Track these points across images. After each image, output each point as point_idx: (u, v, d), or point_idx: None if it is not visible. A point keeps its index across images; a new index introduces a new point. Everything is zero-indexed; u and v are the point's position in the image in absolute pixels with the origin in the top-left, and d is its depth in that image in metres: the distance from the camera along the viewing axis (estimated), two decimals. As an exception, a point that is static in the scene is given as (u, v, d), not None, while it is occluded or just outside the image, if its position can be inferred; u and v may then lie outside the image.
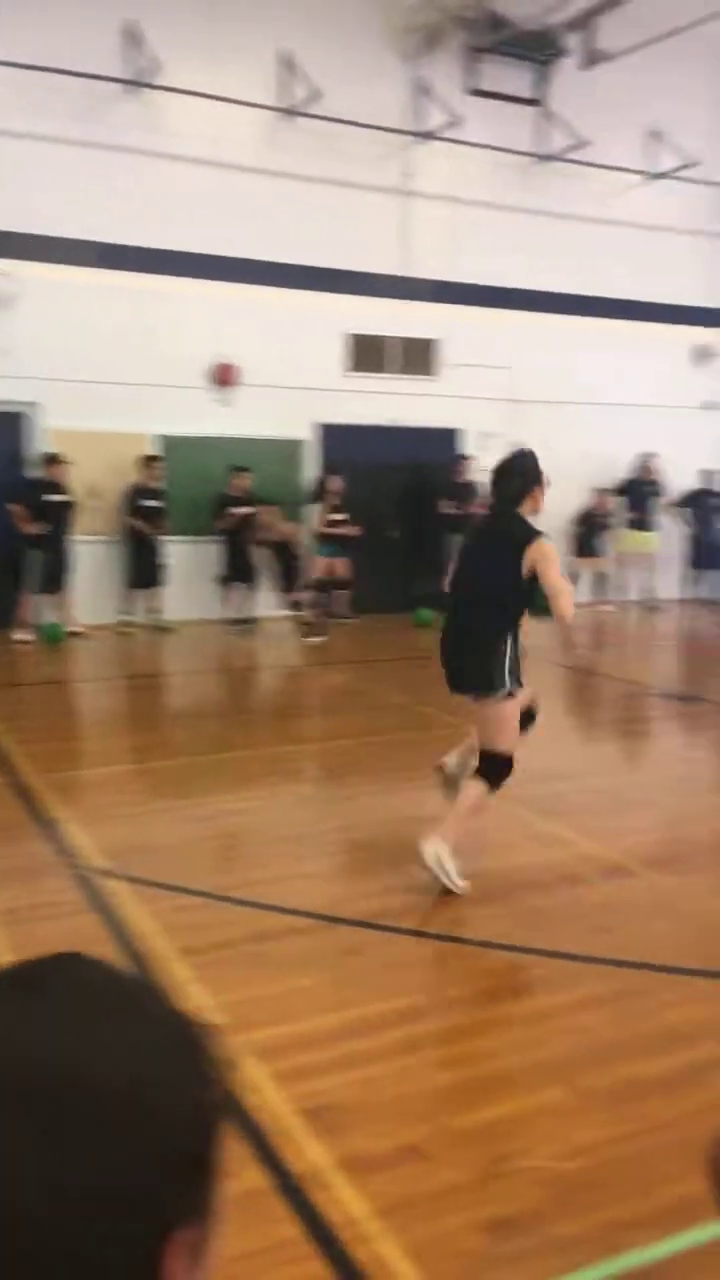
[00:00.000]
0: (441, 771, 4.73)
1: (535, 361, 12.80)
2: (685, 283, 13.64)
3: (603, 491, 12.94)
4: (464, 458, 12.42)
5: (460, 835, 4.14)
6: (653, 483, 13.11)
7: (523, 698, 4.30)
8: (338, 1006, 3.18)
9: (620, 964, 3.53)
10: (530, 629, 4.39)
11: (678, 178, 13.01)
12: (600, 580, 13.10)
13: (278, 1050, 2.93)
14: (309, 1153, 2.48)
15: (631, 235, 13.20)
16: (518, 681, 4.21)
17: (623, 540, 13.14)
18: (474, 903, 4.04)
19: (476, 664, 4.24)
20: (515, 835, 4.87)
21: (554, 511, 13.14)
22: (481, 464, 12.43)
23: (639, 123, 12.90)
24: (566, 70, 12.40)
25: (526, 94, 12.41)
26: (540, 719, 4.70)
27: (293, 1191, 2.36)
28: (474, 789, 4.24)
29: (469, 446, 12.67)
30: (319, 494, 11.60)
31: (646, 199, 13.23)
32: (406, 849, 4.66)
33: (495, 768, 4.24)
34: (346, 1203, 2.31)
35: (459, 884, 4.06)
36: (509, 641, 4.18)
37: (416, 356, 12.40)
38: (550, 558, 4.16)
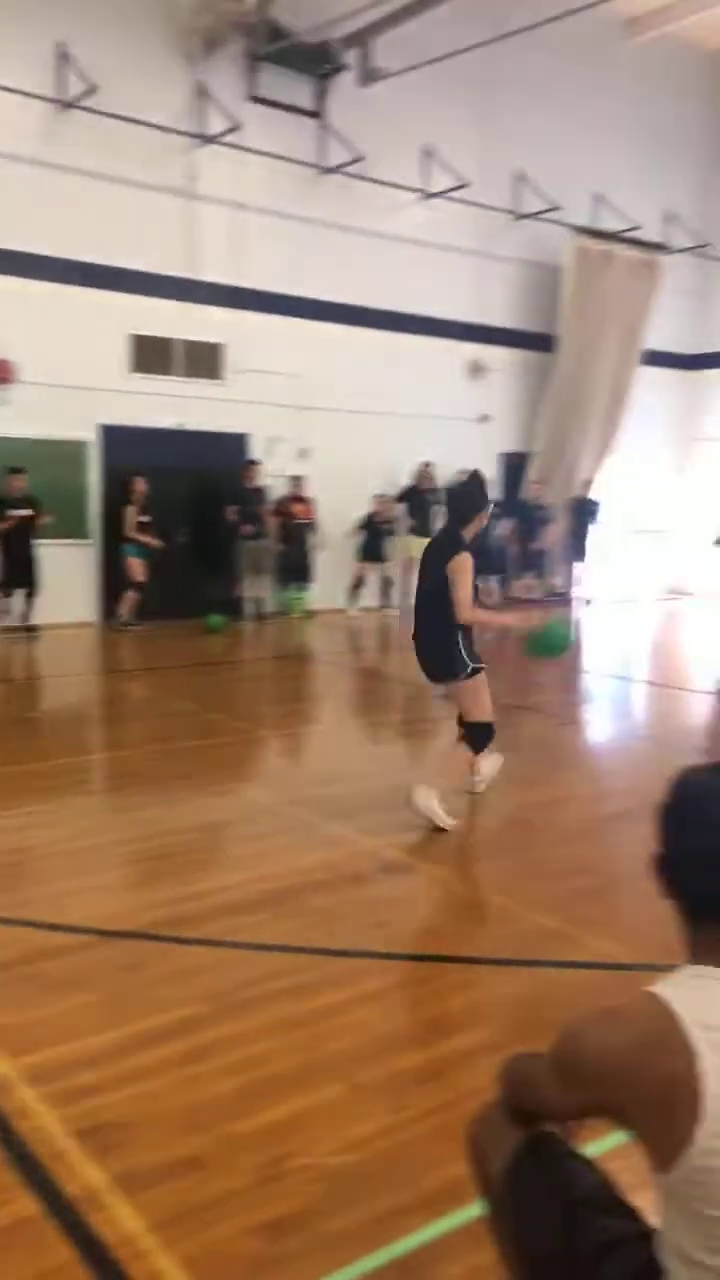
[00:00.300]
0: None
1: (322, 369, 13.00)
2: (459, 300, 14.22)
3: (385, 498, 13.29)
4: (253, 463, 12.46)
5: (445, 788, 5.11)
6: (432, 490, 13.58)
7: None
8: (117, 1022, 3.13)
9: (398, 957, 3.64)
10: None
11: (450, 198, 13.54)
12: (385, 585, 13.44)
13: (53, 1072, 2.85)
14: (84, 1174, 2.43)
15: (409, 251, 13.63)
16: (477, 661, 5.07)
17: (404, 546, 13.53)
18: (256, 907, 4.06)
19: (437, 657, 5.10)
20: (298, 838, 4.93)
21: (339, 517, 13.52)
22: (270, 469, 12.55)
23: (414, 142, 13.34)
24: (345, 86, 12.67)
25: (307, 106, 12.59)
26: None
27: (66, 1215, 2.30)
28: (460, 754, 5.25)
29: (257, 452, 12.72)
30: (127, 496, 11.44)
31: (422, 216, 13.70)
32: (190, 859, 4.65)
33: (478, 734, 5.18)
34: (122, 1221, 2.28)
35: (449, 821, 4.97)
36: (459, 633, 4.97)
37: (203, 360, 12.33)
38: (459, 569, 4.84)
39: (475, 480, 5.45)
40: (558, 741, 7.32)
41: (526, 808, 5.70)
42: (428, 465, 13.53)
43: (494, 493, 14.29)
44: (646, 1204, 1.51)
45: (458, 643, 4.99)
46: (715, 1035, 1.29)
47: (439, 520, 13.47)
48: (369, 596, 13.38)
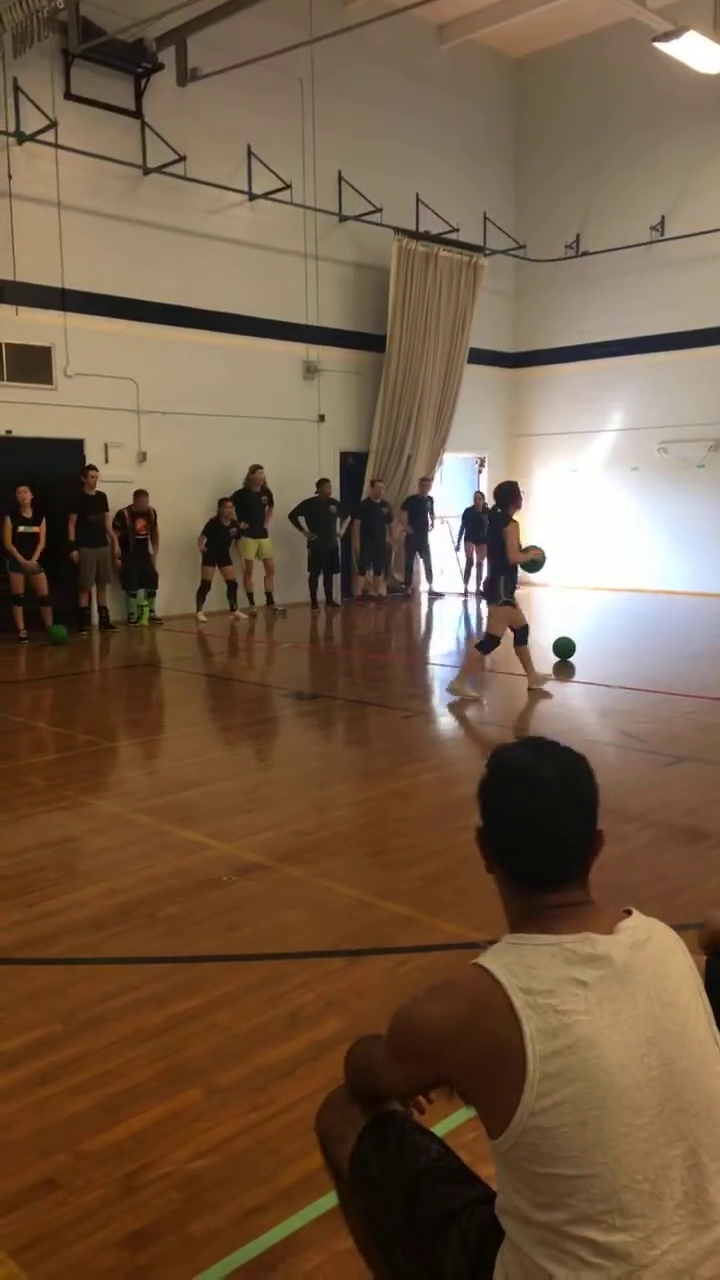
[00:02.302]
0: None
1: (157, 372, 12.84)
2: (290, 301, 14.29)
3: (227, 501, 13.23)
4: (92, 469, 12.18)
5: (469, 676, 8.37)
6: (263, 492, 13.61)
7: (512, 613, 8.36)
8: (-36, 1051, 3.03)
9: (253, 958, 3.66)
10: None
11: (275, 199, 13.58)
12: (230, 588, 13.39)
13: None
14: (-66, 1210, 2.36)
15: (237, 252, 13.62)
16: (510, 597, 8.32)
17: (242, 548, 13.52)
18: (108, 921, 4.01)
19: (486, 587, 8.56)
20: (150, 847, 4.88)
21: (182, 522, 13.38)
22: (109, 475, 12.30)
23: (235, 142, 13.32)
24: (164, 85, 12.54)
25: (126, 105, 12.39)
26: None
27: None
28: (476, 654, 8.45)
29: (95, 457, 12.46)
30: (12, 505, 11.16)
31: (248, 218, 13.71)
32: (39, 877, 4.53)
33: (490, 641, 8.30)
34: (-22, 1252, 2.22)
35: (473, 693, 8.18)
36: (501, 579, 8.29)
37: (30, 364, 11.96)
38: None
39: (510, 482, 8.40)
40: (404, 733, 7.47)
41: (375, 800, 5.80)
42: (257, 469, 13.55)
43: (334, 492, 14.55)
44: (492, 1171, 1.59)
45: (499, 584, 8.31)
46: (536, 999, 1.37)
47: (269, 520, 13.60)
48: (216, 600, 13.30)
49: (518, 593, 8.56)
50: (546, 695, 8.40)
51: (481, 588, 8.49)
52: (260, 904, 4.21)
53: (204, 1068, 2.94)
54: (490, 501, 10.25)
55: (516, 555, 8.10)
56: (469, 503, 16.28)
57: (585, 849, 1.52)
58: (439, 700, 8.48)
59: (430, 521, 15.68)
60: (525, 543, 8.44)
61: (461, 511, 16.17)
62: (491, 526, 8.47)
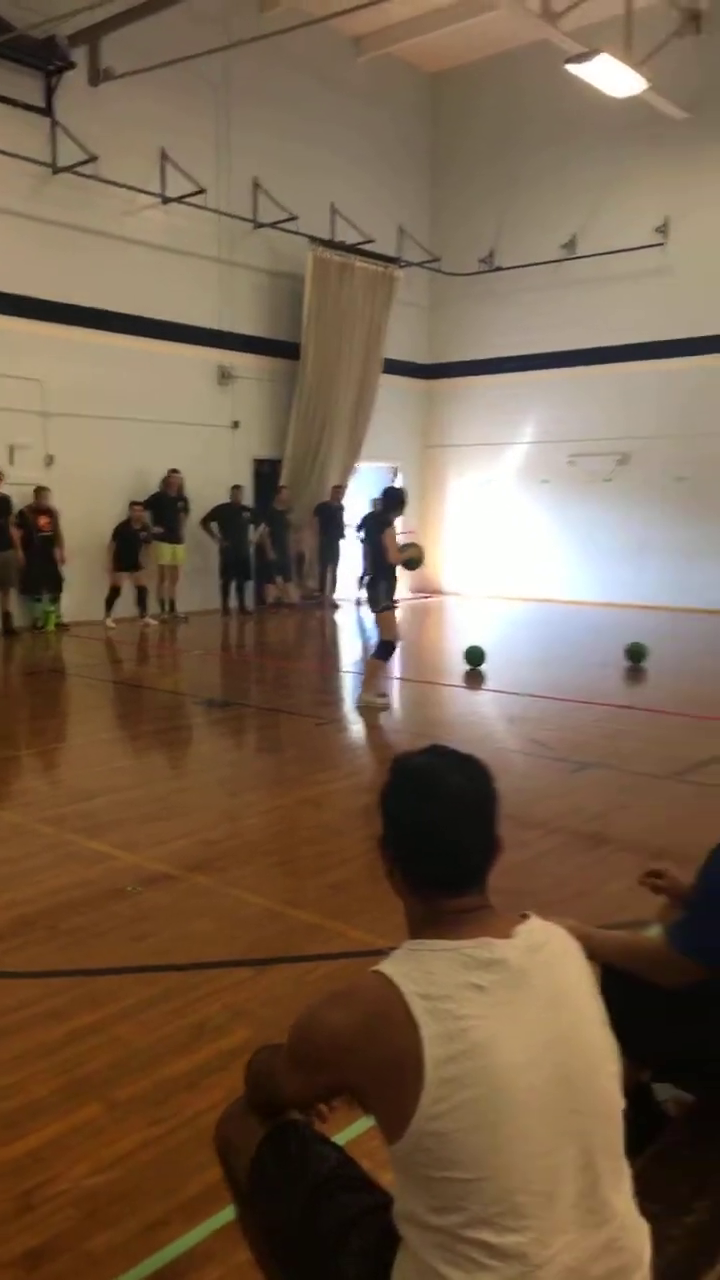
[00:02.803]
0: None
1: (66, 374, 12.62)
2: (205, 306, 14.21)
3: (137, 505, 13.07)
4: (-5, 472, 11.92)
5: (371, 685, 8.24)
6: (180, 498, 13.50)
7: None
8: None
9: (158, 969, 3.61)
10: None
11: (189, 203, 13.50)
12: (140, 594, 13.22)
13: None
14: None
15: (150, 255, 13.49)
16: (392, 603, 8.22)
17: (156, 553, 13.37)
18: (8, 934, 3.91)
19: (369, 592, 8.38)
20: (56, 857, 4.78)
21: (91, 526, 13.16)
22: (16, 478, 12.03)
23: (149, 144, 13.20)
24: (77, 84, 12.36)
25: (35, 102, 12.18)
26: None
27: None
28: (374, 661, 8.36)
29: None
30: None
31: (161, 221, 13.59)
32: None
33: (386, 648, 8.26)
34: None
35: (381, 700, 8.15)
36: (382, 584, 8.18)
37: (-68, 363, 11.66)
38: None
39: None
40: (316, 740, 7.46)
41: (286, 808, 5.79)
42: (175, 472, 13.43)
43: (247, 499, 14.49)
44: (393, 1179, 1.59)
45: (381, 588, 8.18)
46: (434, 1004, 1.38)
47: (185, 526, 13.47)
48: (125, 606, 13.11)
49: (406, 603, 8.58)
50: (381, 709, 8.12)
51: (362, 593, 8.38)
52: (167, 914, 4.15)
53: (105, 1082, 2.88)
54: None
55: (395, 555, 8.05)
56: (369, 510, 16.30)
57: (485, 855, 1.53)
58: (350, 707, 8.50)
59: (342, 530, 15.70)
60: (402, 542, 8.43)
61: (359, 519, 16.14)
62: (370, 530, 8.27)
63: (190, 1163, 2.47)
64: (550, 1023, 1.42)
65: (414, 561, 8.46)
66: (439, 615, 15.35)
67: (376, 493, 15.62)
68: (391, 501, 8.23)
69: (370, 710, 8.09)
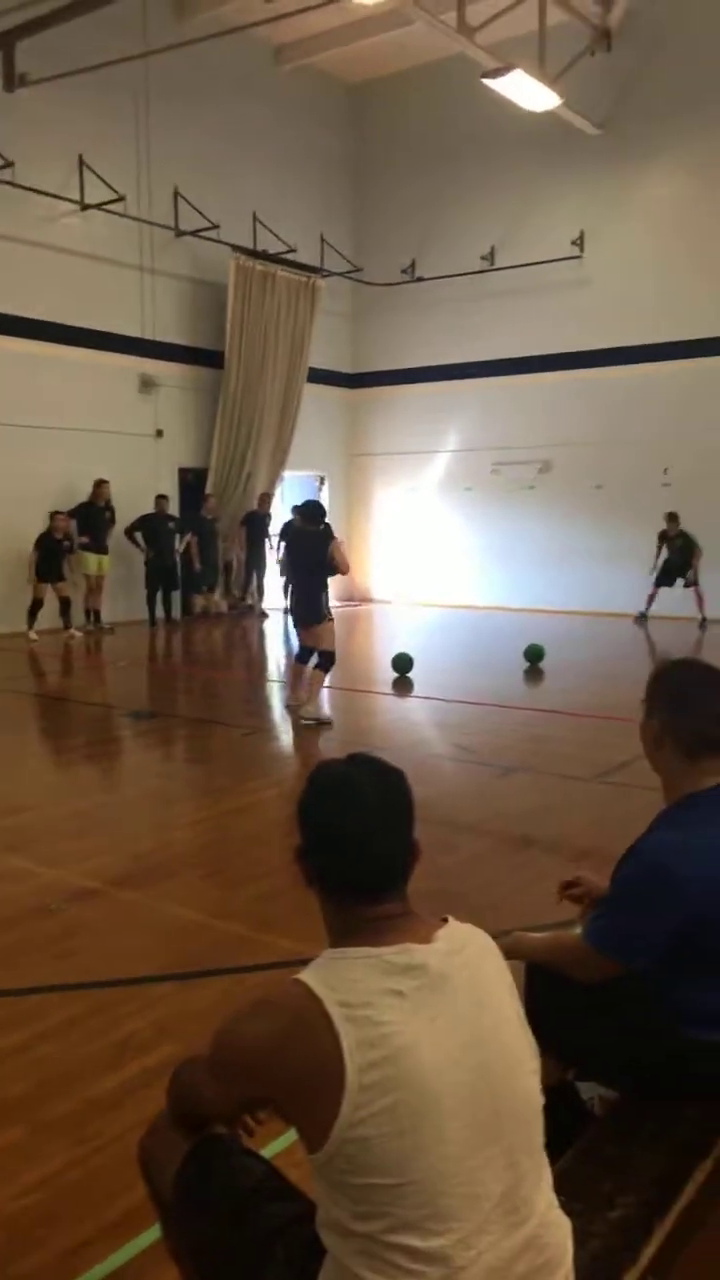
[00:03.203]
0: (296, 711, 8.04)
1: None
2: (127, 314, 14.07)
3: (60, 515, 12.87)
4: None
5: (314, 698, 8.04)
6: (106, 507, 13.35)
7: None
8: None
9: (83, 986, 3.55)
10: None
11: (109, 211, 13.37)
12: (64, 604, 13.01)
13: None
14: None
15: (70, 263, 13.32)
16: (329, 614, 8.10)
17: (81, 563, 13.20)
18: None
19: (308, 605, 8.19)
20: (-26, 876, 4.68)
21: (10, 536, 12.94)
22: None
23: (67, 151, 13.04)
24: (-9, 88, 12.16)
25: (-51, 105, 11.96)
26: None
27: None
28: (319, 674, 8.07)
29: None
30: None
31: (80, 228, 13.43)
32: None
33: (327, 658, 8.09)
34: None
35: (325, 714, 8.16)
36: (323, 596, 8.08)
37: None
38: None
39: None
40: (244, 750, 7.42)
41: (215, 818, 5.75)
42: (103, 482, 13.28)
43: (173, 508, 14.38)
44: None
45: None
46: (354, 1011, 1.38)
47: (112, 536, 13.30)
48: (48, 618, 12.89)
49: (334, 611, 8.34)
50: (309, 721, 7.92)
51: (297, 606, 8.32)
52: (92, 930, 4.09)
53: (29, 1103, 2.83)
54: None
55: (347, 567, 8.05)
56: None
57: (402, 861, 1.54)
58: (279, 717, 8.47)
59: (266, 538, 15.65)
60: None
61: (280, 527, 16.09)
62: (312, 544, 8.01)
63: (116, 1182, 2.43)
64: (471, 1025, 1.43)
65: None
66: (367, 623, 15.40)
67: (299, 501, 15.55)
68: (322, 512, 8.21)
69: (311, 725, 7.88)
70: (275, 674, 11.23)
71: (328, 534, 8.06)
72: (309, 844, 1.56)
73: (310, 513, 8.24)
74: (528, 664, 10.53)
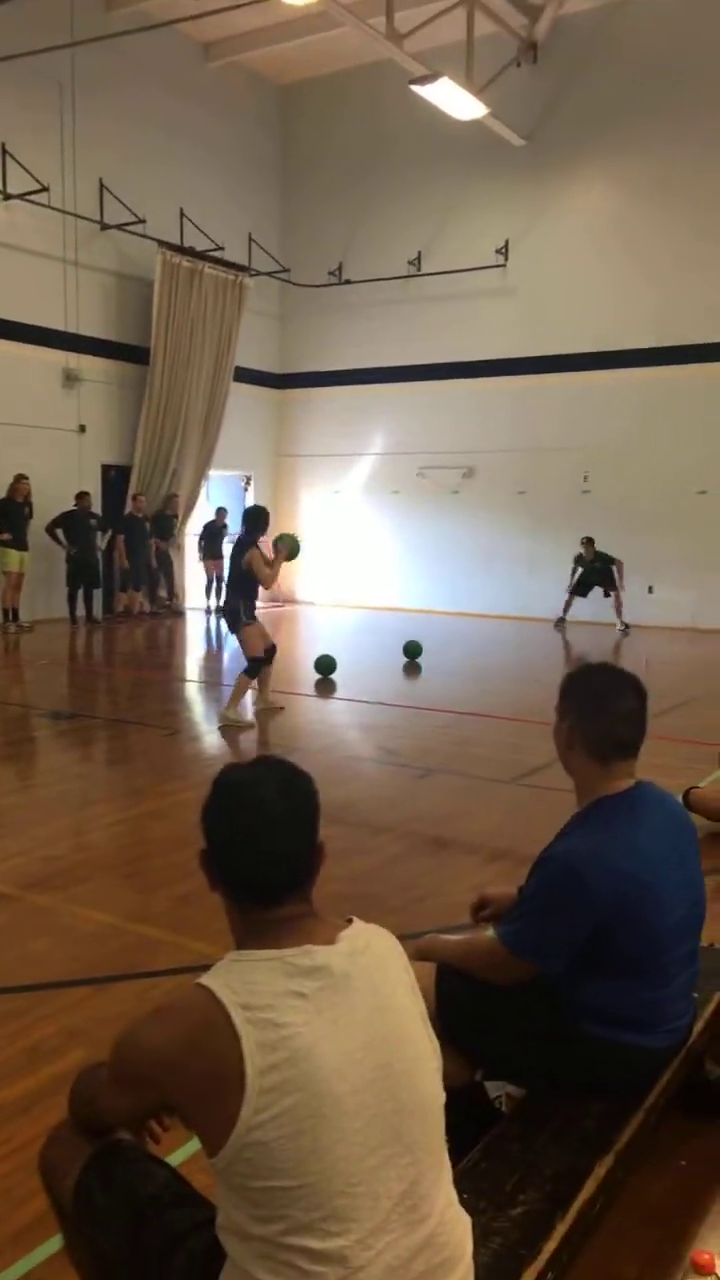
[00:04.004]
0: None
1: None
2: (49, 307, 13.84)
3: (-21, 511, 12.61)
4: None
5: (237, 702, 7.91)
6: (25, 503, 13.11)
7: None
8: None
9: (-9, 993, 3.48)
10: None
11: (32, 201, 13.14)
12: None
13: None
14: None
15: (-10, 253, 13.05)
16: (252, 618, 8.02)
17: (6, 560, 12.94)
18: None
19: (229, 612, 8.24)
20: None
21: None
22: None
23: (-11, 140, 12.79)
24: None
25: None
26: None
27: None
28: (243, 679, 8.00)
29: None
30: None
31: (2, 218, 13.17)
32: None
33: (254, 664, 8.00)
34: None
35: (248, 717, 8.00)
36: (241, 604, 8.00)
37: None
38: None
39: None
40: (165, 751, 7.35)
41: (133, 820, 5.68)
42: (22, 478, 13.02)
43: (95, 506, 14.18)
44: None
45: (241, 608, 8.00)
46: (255, 1014, 1.38)
47: (28, 532, 13.07)
48: (-36, 615, 12.62)
49: (261, 613, 8.31)
50: (278, 710, 8.32)
51: (221, 614, 8.30)
52: (2, 934, 4.01)
53: (-67, 1112, 2.76)
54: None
55: (270, 580, 7.79)
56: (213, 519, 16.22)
57: (304, 864, 1.55)
58: (201, 717, 8.41)
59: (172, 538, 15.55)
60: (271, 554, 7.96)
61: (200, 527, 16.05)
62: (234, 552, 8.01)
63: (21, 1190, 2.39)
64: (372, 1025, 1.45)
65: (295, 550, 8.07)
66: (291, 624, 15.37)
67: (223, 502, 15.43)
68: (255, 522, 7.96)
69: (232, 728, 7.82)
70: (197, 674, 11.16)
71: (245, 544, 7.86)
72: (211, 847, 1.56)
73: (244, 519, 8.18)
74: (406, 660, 10.94)
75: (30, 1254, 2.21)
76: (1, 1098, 2.84)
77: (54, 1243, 2.16)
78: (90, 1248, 1.62)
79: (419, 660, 10.97)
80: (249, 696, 8.26)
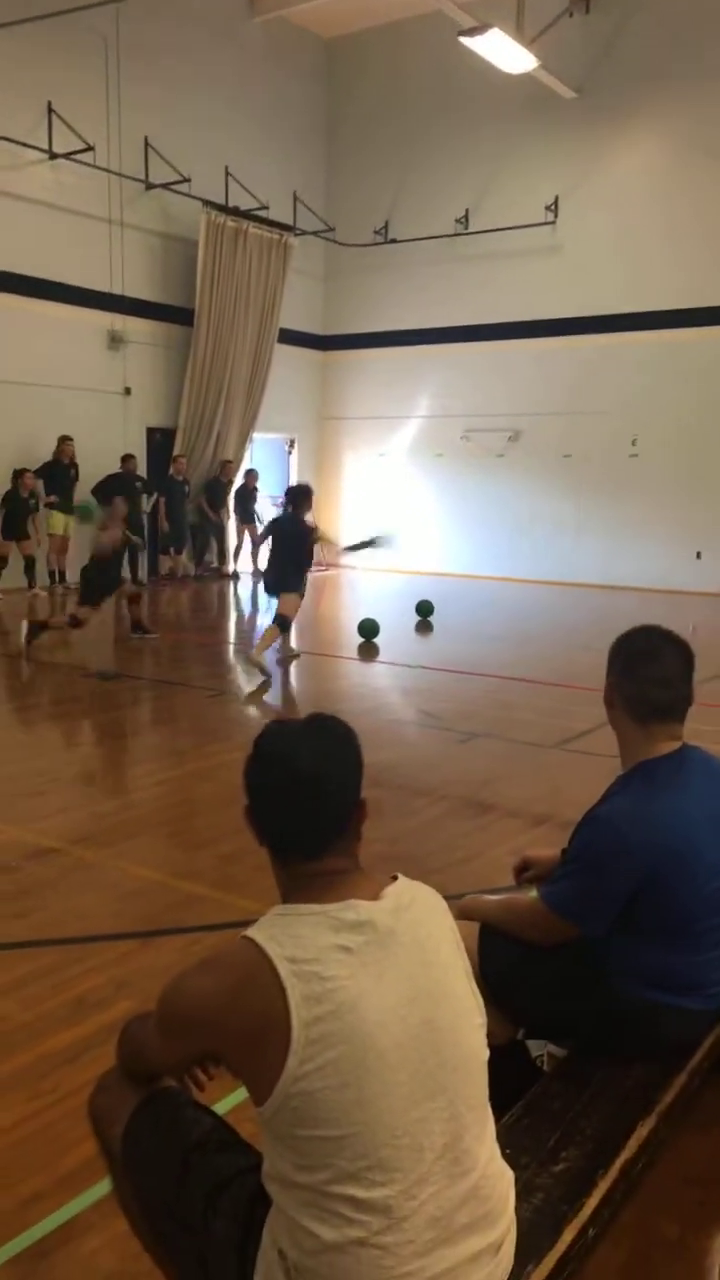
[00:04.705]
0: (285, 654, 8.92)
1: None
2: (94, 268, 13.82)
3: (25, 473, 12.69)
4: None
5: (264, 650, 8.43)
6: (72, 465, 13.17)
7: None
8: None
9: (38, 944, 3.55)
10: None
11: (77, 160, 13.08)
12: (28, 563, 12.88)
13: None
14: None
15: (36, 213, 13.04)
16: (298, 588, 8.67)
17: (47, 523, 13.05)
18: None
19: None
20: (-67, 834, 4.66)
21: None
22: None
23: (35, 98, 12.72)
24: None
25: None
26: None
27: None
28: (273, 629, 8.56)
29: None
30: None
31: (47, 177, 13.13)
32: None
33: (284, 620, 8.59)
34: None
35: (266, 667, 8.40)
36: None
37: None
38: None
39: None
40: (209, 713, 7.41)
41: (178, 780, 5.75)
42: (67, 440, 13.09)
43: (141, 468, 14.22)
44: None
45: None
46: (301, 967, 1.39)
47: (79, 494, 13.17)
48: (12, 577, 12.76)
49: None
50: (295, 656, 9.05)
51: (269, 579, 8.82)
52: (51, 889, 4.09)
53: (-16, 1059, 2.84)
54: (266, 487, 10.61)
55: (335, 551, 8.75)
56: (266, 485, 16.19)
57: (344, 818, 1.55)
58: (245, 679, 8.46)
59: (226, 507, 15.59)
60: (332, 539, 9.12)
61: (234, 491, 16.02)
62: (289, 528, 8.61)
63: (70, 1136, 2.45)
64: (416, 980, 1.45)
65: (378, 542, 9.49)
66: (334, 588, 15.37)
67: (267, 464, 15.46)
68: (303, 498, 8.75)
69: (251, 668, 8.40)
70: (239, 639, 11.20)
71: (295, 519, 8.65)
72: (254, 803, 1.57)
73: (291, 496, 8.98)
74: (418, 618, 11.29)
75: (79, 1196, 2.27)
76: (49, 1046, 2.90)
77: (102, 1186, 2.21)
78: (138, 1193, 1.66)
79: (430, 618, 11.39)
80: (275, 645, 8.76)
